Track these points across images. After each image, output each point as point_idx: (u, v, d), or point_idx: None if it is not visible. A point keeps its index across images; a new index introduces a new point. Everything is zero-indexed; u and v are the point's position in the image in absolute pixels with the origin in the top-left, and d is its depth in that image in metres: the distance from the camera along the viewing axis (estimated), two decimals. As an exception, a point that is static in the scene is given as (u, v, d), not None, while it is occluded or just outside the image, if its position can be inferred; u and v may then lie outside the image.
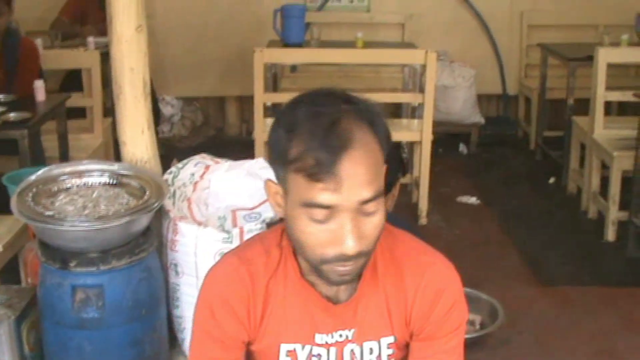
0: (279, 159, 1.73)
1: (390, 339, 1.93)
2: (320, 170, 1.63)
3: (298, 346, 1.91)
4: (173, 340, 3.62)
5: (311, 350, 1.91)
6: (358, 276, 1.82)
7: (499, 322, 4.01)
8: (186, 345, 3.58)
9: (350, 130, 1.67)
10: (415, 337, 1.94)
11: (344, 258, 1.70)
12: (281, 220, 1.84)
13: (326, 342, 1.91)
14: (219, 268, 1.94)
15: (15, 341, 3.21)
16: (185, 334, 3.56)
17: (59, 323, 3.14)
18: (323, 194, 1.65)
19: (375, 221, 1.72)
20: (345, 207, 1.66)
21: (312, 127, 1.66)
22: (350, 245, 1.68)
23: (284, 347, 1.91)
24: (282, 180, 1.75)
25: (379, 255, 1.87)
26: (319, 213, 1.68)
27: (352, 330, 1.91)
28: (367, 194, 1.67)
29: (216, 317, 1.88)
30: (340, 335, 1.90)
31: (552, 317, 4.34)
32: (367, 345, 1.92)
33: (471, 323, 4.04)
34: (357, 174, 1.65)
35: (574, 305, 4.47)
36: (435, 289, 1.89)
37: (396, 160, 3.52)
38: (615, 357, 3.97)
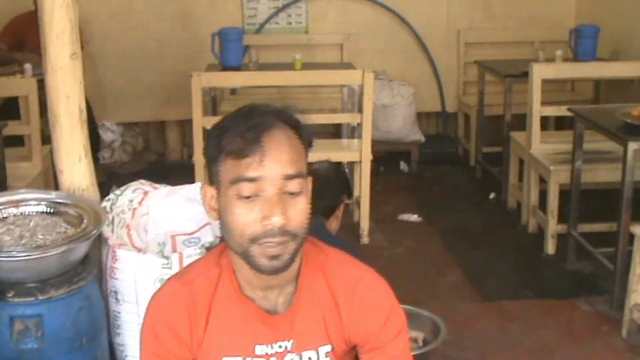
0: (212, 157, 1.89)
1: (328, 348, 2.03)
2: (246, 146, 1.81)
3: (239, 359, 1.99)
4: (115, 368, 3.60)
5: None
6: (288, 263, 1.89)
7: (441, 339, 4.03)
8: (129, 372, 3.56)
9: (273, 121, 1.87)
10: (361, 349, 2.05)
11: (271, 233, 1.82)
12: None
13: (266, 353, 1.99)
14: (161, 293, 2.04)
15: (-46, 375, 3.18)
16: (127, 361, 3.54)
17: (-2, 355, 3.11)
18: (249, 168, 1.81)
19: (300, 204, 1.86)
20: (270, 180, 1.82)
21: (240, 121, 1.87)
22: (276, 217, 1.81)
23: None
24: (215, 177, 1.90)
25: (311, 271, 1.99)
26: (246, 188, 1.82)
27: (291, 341, 2.00)
28: (290, 169, 1.83)
29: (160, 340, 1.98)
30: (280, 347, 2.00)
31: (495, 332, 4.37)
32: (305, 354, 2.02)
33: (414, 340, 4.05)
34: (280, 150, 1.83)
35: (515, 319, 4.52)
36: (369, 302, 2.01)
37: (339, 182, 3.55)
38: (557, 369, 4.02)
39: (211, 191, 1.92)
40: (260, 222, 1.81)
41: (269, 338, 1.99)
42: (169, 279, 2.11)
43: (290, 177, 1.83)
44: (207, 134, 1.94)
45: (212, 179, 1.91)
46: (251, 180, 1.81)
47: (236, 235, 1.85)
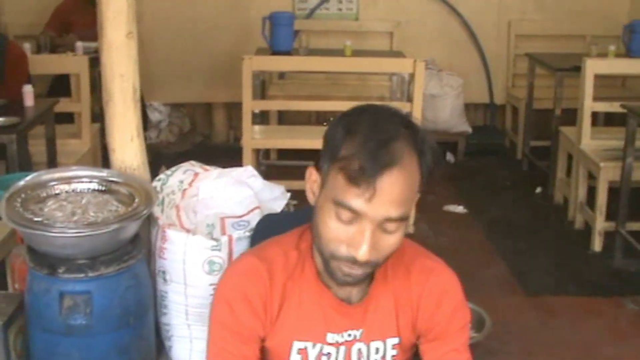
0: (328, 153, 1.84)
1: (395, 340, 2.04)
2: (361, 176, 1.74)
3: (309, 344, 2.00)
4: (160, 347, 3.61)
5: (322, 349, 2.01)
6: (361, 281, 1.92)
7: (486, 331, 4.02)
8: (173, 352, 3.57)
9: (401, 151, 1.78)
10: (424, 338, 2.05)
11: (352, 261, 1.82)
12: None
13: (336, 342, 2.01)
14: (238, 265, 2.04)
15: (3, 347, 3.19)
16: (172, 341, 3.55)
17: (46, 329, 3.12)
18: (356, 199, 1.76)
19: (392, 240, 1.84)
20: (371, 218, 1.78)
21: (368, 136, 1.78)
22: (362, 253, 1.79)
23: (296, 345, 2.01)
24: (324, 172, 1.86)
25: (390, 260, 1.96)
26: (346, 214, 1.79)
27: (361, 330, 2.01)
28: (394, 213, 1.78)
29: (234, 311, 1.96)
30: (349, 335, 2.01)
31: (538, 327, 4.35)
32: (373, 344, 2.03)
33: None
34: (392, 192, 1.77)
35: (559, 315, 4.49)
36: (440, 291, 2.02)
37: None
38: (600, 367, 3.99)
39: (316, 176, 1.90)
40: (347, 247, 1.81)
41: (340, 326, 2.00)
42: (243, 253, 2.12)
43: (391, 220, 1.80)
44: (338, 118, 1.87)
45: (321, 167, 1.88)
46: (353, 211, 1.78)
47: (322, 243, 1.86)
